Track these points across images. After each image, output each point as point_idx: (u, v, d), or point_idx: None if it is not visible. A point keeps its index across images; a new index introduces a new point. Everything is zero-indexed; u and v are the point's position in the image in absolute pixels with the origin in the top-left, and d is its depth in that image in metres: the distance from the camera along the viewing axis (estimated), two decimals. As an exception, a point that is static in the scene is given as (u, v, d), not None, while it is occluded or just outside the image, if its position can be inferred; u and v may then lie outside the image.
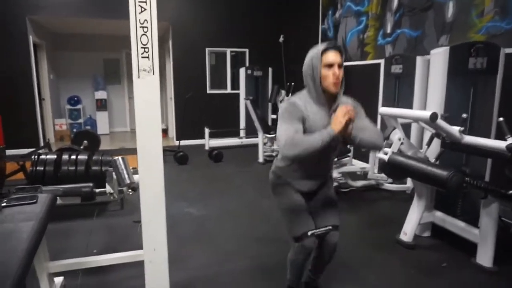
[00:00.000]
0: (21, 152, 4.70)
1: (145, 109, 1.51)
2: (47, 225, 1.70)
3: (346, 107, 1.64)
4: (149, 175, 1.53)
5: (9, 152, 3.90)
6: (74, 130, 8.13)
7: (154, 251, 1.55)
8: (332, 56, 1.70)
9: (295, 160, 1.82)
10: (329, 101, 1.79)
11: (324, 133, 1.63)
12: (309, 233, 1.86)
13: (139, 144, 1.52)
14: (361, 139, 1.76)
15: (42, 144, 6.47)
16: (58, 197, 2.13)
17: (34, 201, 1.81)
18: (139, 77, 1.48)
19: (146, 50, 1.49)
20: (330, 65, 1.70)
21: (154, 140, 1.52)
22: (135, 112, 1.52)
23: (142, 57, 1.48)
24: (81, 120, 8.67)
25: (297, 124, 1.71)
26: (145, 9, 1.48)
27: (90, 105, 8.96)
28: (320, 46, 1.74)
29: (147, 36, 1.49)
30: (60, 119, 8.18)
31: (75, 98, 8.66)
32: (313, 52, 1.75)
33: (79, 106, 8.67)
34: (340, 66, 1.72)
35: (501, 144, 2.27)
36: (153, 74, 1.51)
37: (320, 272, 2.16)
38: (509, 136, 2.27)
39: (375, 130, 1.85)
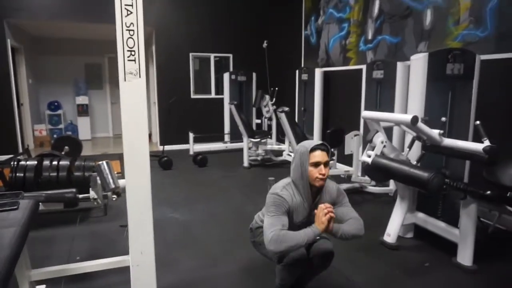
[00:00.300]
0: (-1, 159, 4.56)
1: (132, 112, 1.51)
2: (28, 232, 1.66)
3: (325, 206, 1.77)
4: (136, 177, 1.52)
5: (-14, 158, 3.79)
6: (55, 135, 7.94)
7: (141, 254, 1.53)
8: (319, 156, 1.84)
9: (281, 253, 1.84)
10: (313, 194, 1.92)
11: (309, 232, 1.74)
12: None
13: (126, 147, 1.51)
14: (342, 232, 1.85)
15: (20, 150, 6.29)
16: (40, 203, 2.07)
17: (16, 207, 1.77)
18: (125, 80, 1.48)
19: (133, 53, 1.49)
20: (317, 164, 1.83)
21: (141, 142, 1.52)
22: (121, 115, 1.51)
23: (129, 60, 1.48)
24: (61, 126, 8.49)
25: (283, 217, 1.81)
26: (131, 12, 1.48)
27: (71, 110, 8.78)
28: (309, 145, 1.86)
29: (133, 39, 1.49)
30: (40, 125, 7.98)
31: (56, 103, 8.47)
32: (302, 150, 1.87)
33: (59, 112, 8.49)
34: (326, 164, 1.85)
35: (478, 146, 2.36)
36: (140, 77, 1.51)
37: (310, 280, 2.19)
38: (485, 138, 2.36)
39: (356, 219, 1.94)
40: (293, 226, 1.87)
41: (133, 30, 1.47)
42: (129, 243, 1.69)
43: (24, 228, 1.62)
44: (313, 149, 1.85)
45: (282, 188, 1.90)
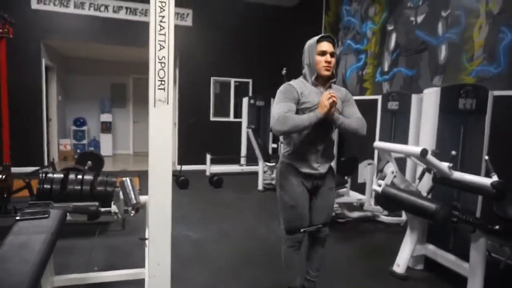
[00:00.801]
0: (25, 170, 4.82)
1: (159, 134, 1.67)
2: (57, 239, 1.81)
3: (329, 92, 1.92)
4: (159, 194, 1.66)
5: (13, 169, 4.02)
6: (78, 150, 8.28)
7: (158, 265, 1.65)
8: (325, 46, 2.00)
9: (286, 133, 2.02)
10: (322, 84, 2.07)
11: (312, 115, 1.90)
12: (302, 230, 2.07)
13: (151, 166, 1.66)
14: (342, 121, 2.01)
15: (46, 163, 6.59)
16: (67, 214, 2.23)
17: (47, 215, 1.92)
18: (155, 106, 1.65)
19: (163, 82, 1.66)
20: (323, 53, 1.99)
21: (165, 163, 1.67)
22: (149, 137, 1.67)
23: (159, 88, 1.65)
24: (85, 141, 8.85)
25: (290, 104, 1.97)
26: (163, 47, 1.67)
27: (95, 127, 9.17)
28: (316, 37, 2.04)
29: (164, 71, 1.67)
30: (65, 139, 8.35)
31: (81, 120, 8.88)
32: (310, 41, 2.06)
33: (84, 128, 8.87)
34: (332, 54, 2.01)
35: (486, 181, 2.41)
36: (167, 104, 1.67)
37: (316, 268, 2.29)
38: (493, 173, 2.41)
39: (359, 118, 2.11)
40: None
41: (164, 63, 1.65)
42: (147, 254, 1.81)
43: (53, 236, 1.77)
44: (320, 40, 2.00)
45: (292, 81, 2.09)
